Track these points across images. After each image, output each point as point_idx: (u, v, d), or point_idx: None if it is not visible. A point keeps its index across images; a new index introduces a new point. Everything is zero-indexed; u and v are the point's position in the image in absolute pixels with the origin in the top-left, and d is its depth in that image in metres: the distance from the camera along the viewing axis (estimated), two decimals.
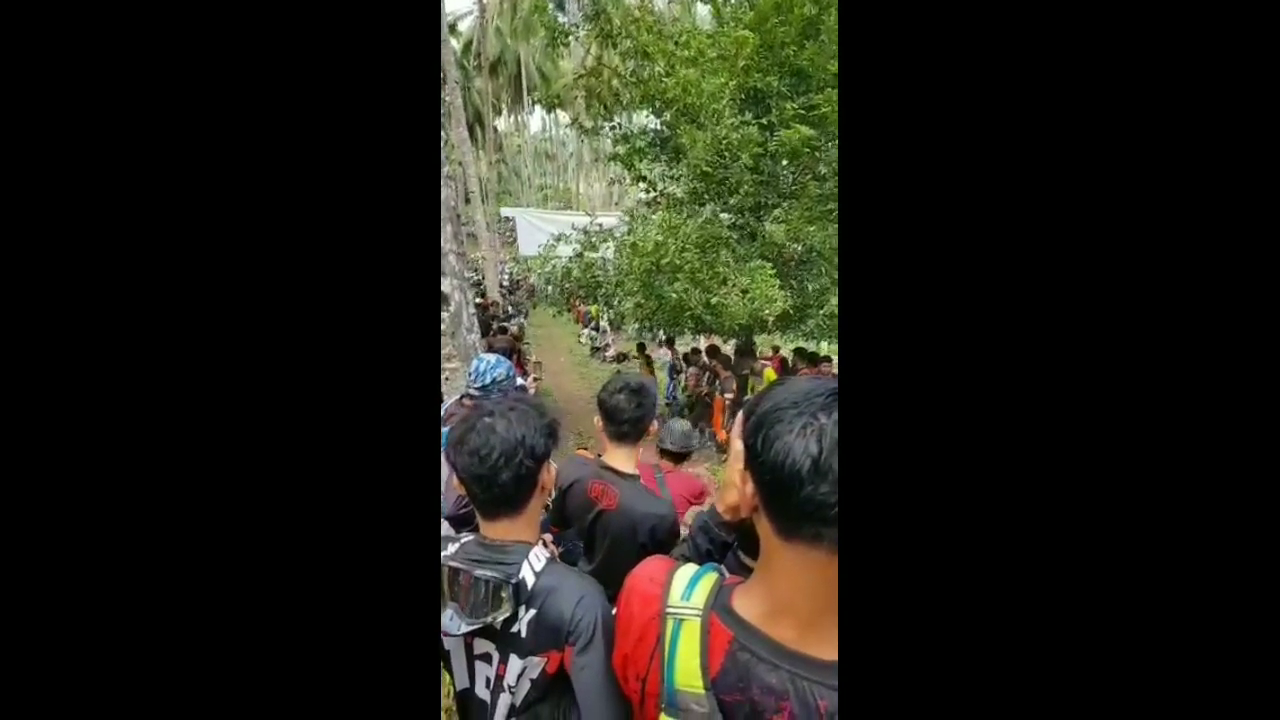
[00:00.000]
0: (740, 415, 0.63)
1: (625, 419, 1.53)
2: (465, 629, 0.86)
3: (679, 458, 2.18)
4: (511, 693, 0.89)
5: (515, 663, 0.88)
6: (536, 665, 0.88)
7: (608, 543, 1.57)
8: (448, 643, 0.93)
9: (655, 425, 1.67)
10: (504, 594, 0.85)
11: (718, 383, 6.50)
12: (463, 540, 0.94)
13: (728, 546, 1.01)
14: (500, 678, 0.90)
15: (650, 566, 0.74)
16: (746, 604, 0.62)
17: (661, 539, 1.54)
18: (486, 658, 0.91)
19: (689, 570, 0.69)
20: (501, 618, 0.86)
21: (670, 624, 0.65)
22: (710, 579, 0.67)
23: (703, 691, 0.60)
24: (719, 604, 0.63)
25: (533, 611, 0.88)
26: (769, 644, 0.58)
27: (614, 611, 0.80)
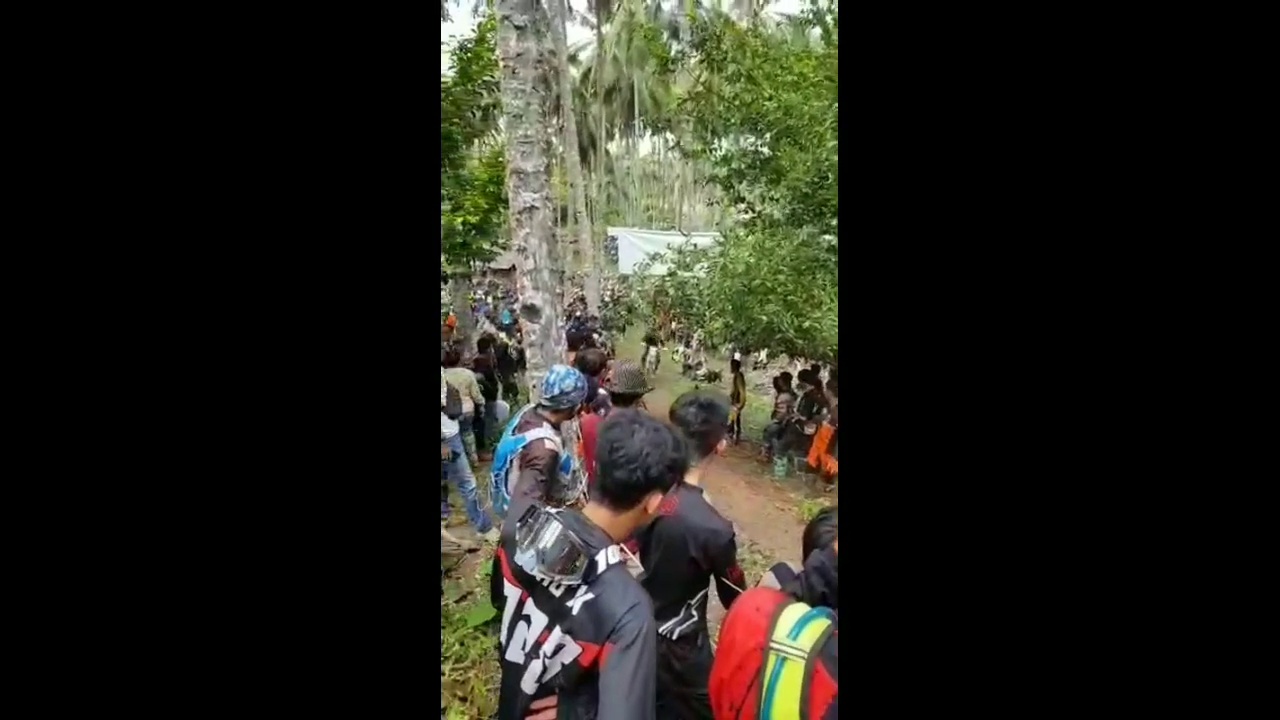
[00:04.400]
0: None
1: (691, 431, 1.57)
2: (538, 572, 0.92)
3: (626, 400, 2.47)
4: (545, 664, 0.93)
5: (557, 634, 0.93)
6: (573, 651, 0.91)
7: (661, 550, 1.60)
8: (506, 588, 1.01)
9: (724, 444, 1.70)
10: (579, 562, 0.91)
11: (825, 411, 6.14)
12: (562, 510, 1.02)
13: None
14: (540, 644, 0.95)
15: (758, 596, 0.71)
16: None
17: (714, 555, 1.53)
18: (529, 620, 0.97)
19: (799, 609, 0.65)
20: (567, 583, 0.92)
21: (773, 659, 0.61)
22: (821, 624, 0.62)
23: None
24: (827, 653, 0.59)
25: (591, 595, 0.92)
26: None
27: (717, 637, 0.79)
